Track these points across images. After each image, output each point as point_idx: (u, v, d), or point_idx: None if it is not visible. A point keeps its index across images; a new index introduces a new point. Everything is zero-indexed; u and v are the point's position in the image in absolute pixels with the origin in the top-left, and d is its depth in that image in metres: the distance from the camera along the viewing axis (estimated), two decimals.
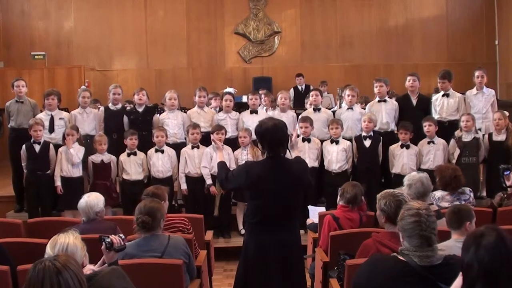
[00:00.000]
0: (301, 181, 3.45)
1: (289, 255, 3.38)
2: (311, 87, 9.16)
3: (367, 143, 6.20)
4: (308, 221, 4.99)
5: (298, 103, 9.20)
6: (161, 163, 6.11)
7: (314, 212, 4.97)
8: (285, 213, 3.38)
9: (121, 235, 3.00)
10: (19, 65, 10.96)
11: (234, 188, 4.43)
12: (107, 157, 6.12)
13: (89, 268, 2.61)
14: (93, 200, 3.97)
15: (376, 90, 6.58)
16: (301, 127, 6.16)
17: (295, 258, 3.44)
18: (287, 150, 3.57)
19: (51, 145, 6.17)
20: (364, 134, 6.23)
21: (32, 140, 6.07)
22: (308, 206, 5.47)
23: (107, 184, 6.05)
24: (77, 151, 6.03)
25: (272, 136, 3.36)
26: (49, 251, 2.52)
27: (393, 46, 11.70)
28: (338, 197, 4.22)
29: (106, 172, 6.10)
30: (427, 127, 6.09)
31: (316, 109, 6.63)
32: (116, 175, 6.23)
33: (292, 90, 10.39)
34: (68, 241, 2.54)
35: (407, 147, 6.12)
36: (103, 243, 2.84)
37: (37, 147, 6.07)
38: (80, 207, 3.98)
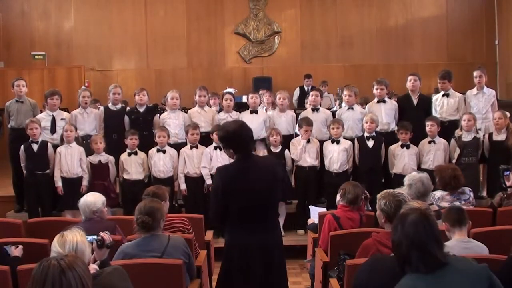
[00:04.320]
0: (275, 175, 3.46)
1: (270, 256, 3.35)
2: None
3: (370, 143, 6.19)
4: (309, 221, 4.99)
5: (303, 102, 9.21)
6: (162, 163, 6.11)
7: (315, 213, 4.97)
8: (264, 211, 3.37)
9: (106, 231, 3.03)
10: (19, 65, 10.97)
11: (219, 209, 3.40)
12: (104, 157, 6.13)
13: (93, 268, 2.61)
14: (90, 199, 4.00)
15: (376, 92, 6.56)
16: (306, 130, 6.16)
17: (276, 259, 3.40)
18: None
19: (49, 144, 6.17)
20: (366, 134, 6.24)
21: (30, 140, 6.07)
22: (310, 207, 5.47)
23: (105, 184, 6.05)
24: (80, 154, 6.07)
25: (241, 136, 3.38)
26: (58, 249, 2.49)
27: (393, 46, 11.70)
28: (338, 197, 4.21)
29: (104, 172, 6.10)
30: (430, 126, 6.09)
31: (315, 109, 6.63)
32: (115, 175, 6.23)
33: (298, 89, 10.43)
34: (76, 239, 2.53)
35: (407, 147, 6.12)
36: (94, 241, 2.87)
37: (35, 147, 6.07)
38: (80, 206, 4.01)
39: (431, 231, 2.20)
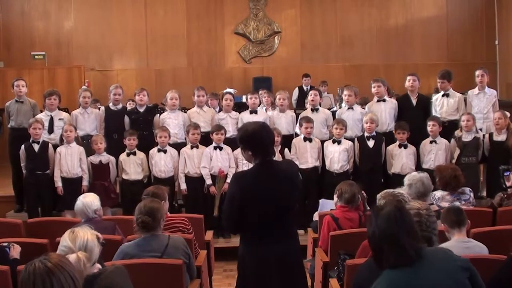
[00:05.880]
0: (295, 183, 3.24)
1: (289, 267, 3.14)
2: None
3: (371, 143, 6.20)
4: (315, 216, 4.92)
5: (302, 102, 9.21)
6: (163, 163, 6.12)
7: (325, 205, 4.90)
8: (282, 220, 3.14)
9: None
10: (19, 65, 10.95)
11: (234, 218, 3.16)
12: (105, 157, 6.13)
13: (97, 267, 2.62)
14: (88, 200, 4.01)
15: (374, 90, 6.58)
16: (306, 128, 6.17)
17: (296, 269, 3.19)
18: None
19: (50, 145, 6.17)
20: (367, 134, 6.24)
21: (31, 140, 6.07)
22: (320, 200, 5.35)
23: (106, 185, 6.06)
24: (79, 155, 6.08)
25: (261, 138, 3.10)
26: (68, 243, 2.48)
27: (393, 46, 11.69)
28: (335, 198, 4.21)
29: (105, 173, 6.11)
30: (431, 126, 6.09)
31: (314, 109, 6.63)
32: (115, 175, 6.23)
33: (297, 89, 10.43)
34: (87, 237, 2.52)
35: (405, 146, 6.13)
36: None
37: (36, 147, 6.07)
38: (77, 208, 4.01)
39: (403, 224, 2.21)
